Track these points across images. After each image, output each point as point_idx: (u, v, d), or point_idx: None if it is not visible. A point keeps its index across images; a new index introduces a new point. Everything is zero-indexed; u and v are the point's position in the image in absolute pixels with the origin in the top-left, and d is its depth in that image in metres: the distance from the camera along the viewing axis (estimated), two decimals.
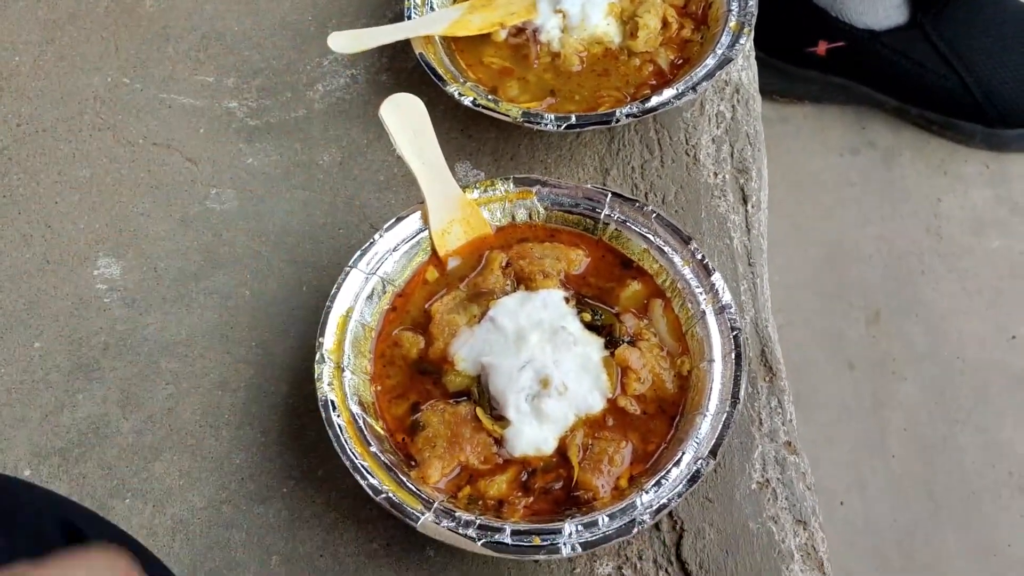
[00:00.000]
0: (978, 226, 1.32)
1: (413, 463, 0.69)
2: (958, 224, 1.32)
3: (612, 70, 0.88)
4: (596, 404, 0.71)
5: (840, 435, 1.19)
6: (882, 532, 1.13)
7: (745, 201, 0.85)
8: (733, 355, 0.70)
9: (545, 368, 0.70)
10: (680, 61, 0.88)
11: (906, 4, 1.28)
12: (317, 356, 0.71)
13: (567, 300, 0.74)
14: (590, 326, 0.73)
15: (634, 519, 0.64)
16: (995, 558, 1.10)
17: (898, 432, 1.19)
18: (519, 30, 0.90)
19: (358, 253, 0.75)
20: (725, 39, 0.85)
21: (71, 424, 0.77)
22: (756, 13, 0.87)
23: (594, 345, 0.72)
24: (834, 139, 1.41)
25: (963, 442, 1.18)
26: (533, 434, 0.69)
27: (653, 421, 0.71)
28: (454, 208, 0.77)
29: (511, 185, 0.79)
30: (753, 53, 0.96)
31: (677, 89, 0.82)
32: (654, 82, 0.87)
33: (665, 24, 0.89)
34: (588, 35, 0.88)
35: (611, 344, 0.72)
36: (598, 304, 0.75)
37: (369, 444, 0.68)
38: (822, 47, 1.33)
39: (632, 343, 0.72)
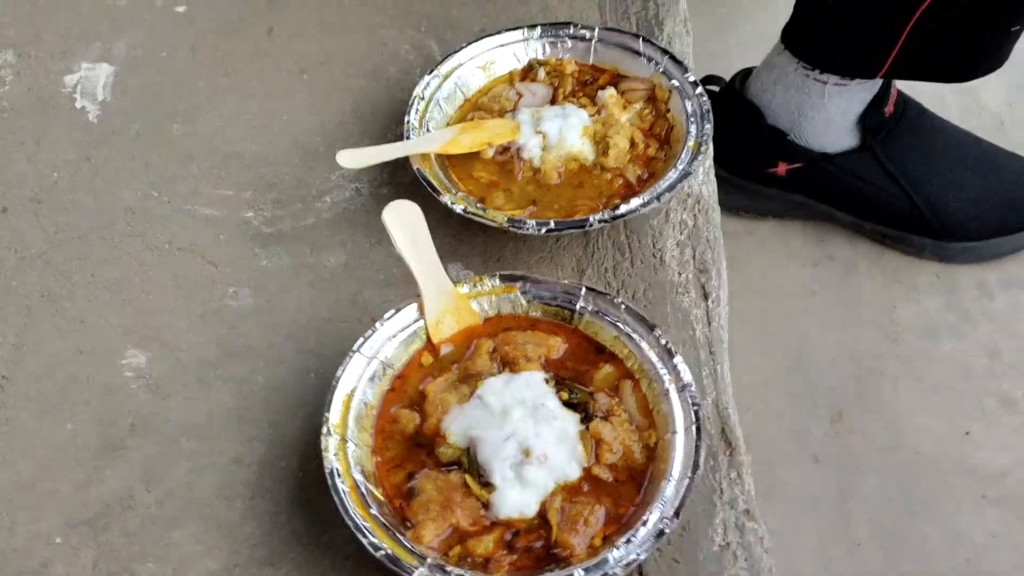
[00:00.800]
0: (931, 331, 1.42)
1: (409, 525, 0.77)
2: (912, 329, 1.43)
3: (586, 183, 0.99)
4: (573, 472, 0.79)
5: (807, 526, 1.27)
6: None
7: (706, 297, 0.96)
8: (694, 428, 0.79)
9: (527, 440, 0.79)
10: (646, 176, 0.99)
11: (857, 129, 1.41)
12: (324, 429, 0.80)
13: (547, 381, 0.83)
14: (567, 404, 0.82)
15: (607, 573, 0.72)
16: None
17: (862, 522, 1.27)
18: (504, 148, 1.02)
19: (361, 339, 0.85)
20: (685, 156, 0.97)
21: (98, 497, 0.84)
22: (712, 135, 0.99)
23: (571, 420, 0.81)
24: (796, 251, 1.52)
25: (923, 531, 1.25)
26: (517, 499, 0.78)
27: (624, 487, 0.79)
28: (447, 301, 0.87)
29: (497, 281, 0.89)
30: (712, 170, 1.08)
31: (644, 199, 0.94)
32: (623, 193, 0.98)
33: (633, 144, 1.01)
34: (565, 153, 1.00)
35: (586, 419, 0.82)
36: (574, 384, 0.84)
37: (370, 507, 0.77)
38: (782, 168, 1.46)
39: (605, 418, 0.82)
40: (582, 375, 0.85)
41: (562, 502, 0.78)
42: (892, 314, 1.44)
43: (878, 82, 1.36)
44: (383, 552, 0.73)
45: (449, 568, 0.73)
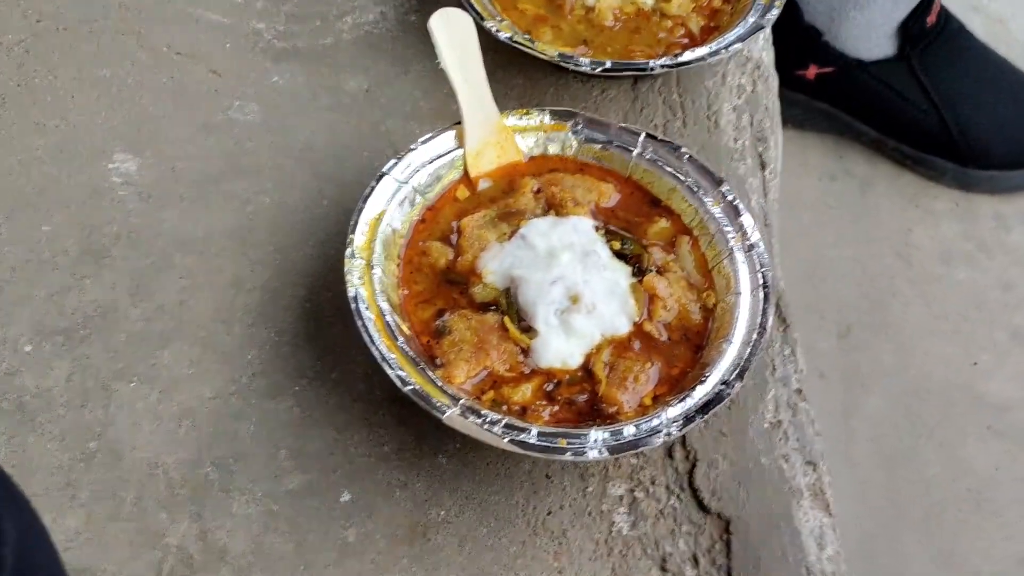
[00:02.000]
0: (946, 257, 1.36)
1: (439, 364, 0.68)
2: (927, 253, 1.37)
3: (644, 29, 0.90)
4: (623, 326, 0.71)
5: None
6: (845, 535, 1.14)
7: (763, 167, 0.88)
8: (761, 290, 0.71)
9: (576, 286, 0.70)
10: (711, 27, 0.90)
11: (896, 37, 1.33)
12: (348, 252, 0.70)
13: (597, 228, 0.75)
14: (619, 254, 0.74)
15: (659, 430, 0.64)
16: (952, 568, 1.12)
17: (863, 442, 1.21)
18: None
19: (393, 160, 0.75)
20: (756, 9, 0.88)
21: (77, 306, 0.74)
22: None
23: (622, 272, 0.73)
24: (814, 164, 1.45)
25: (926, 457, 1.20)
26: (560, 347, 0.69)
27: (678, 347, 0.71)
28: (490, 131, 0.78)
29: (547, 116, 0.80)
30: (771, 36, 0.99)
31: (710, 47, 0.85)
32: (685, 42, 0.89)
33: None
34: None
35: (639, 273, 0.73)
36: (627, 235, 0.75)
37: (397, 339, 0.67)
38: (812, 71, 1.38)
39: (660, 273, 0.73)
40: (635, 227, 0.77)
41: (610, 356, 0.69)
42: (907, 236, 1.38)
43: None
44: (412, 387, 0.64)
45: (484, 411, 0.65)
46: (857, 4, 1.30)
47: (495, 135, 0.78)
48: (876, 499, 1.17)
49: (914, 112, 1.36)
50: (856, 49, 1.35)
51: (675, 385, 0.69)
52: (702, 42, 0.89)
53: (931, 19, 1.34)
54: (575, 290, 0.70)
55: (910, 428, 1.22)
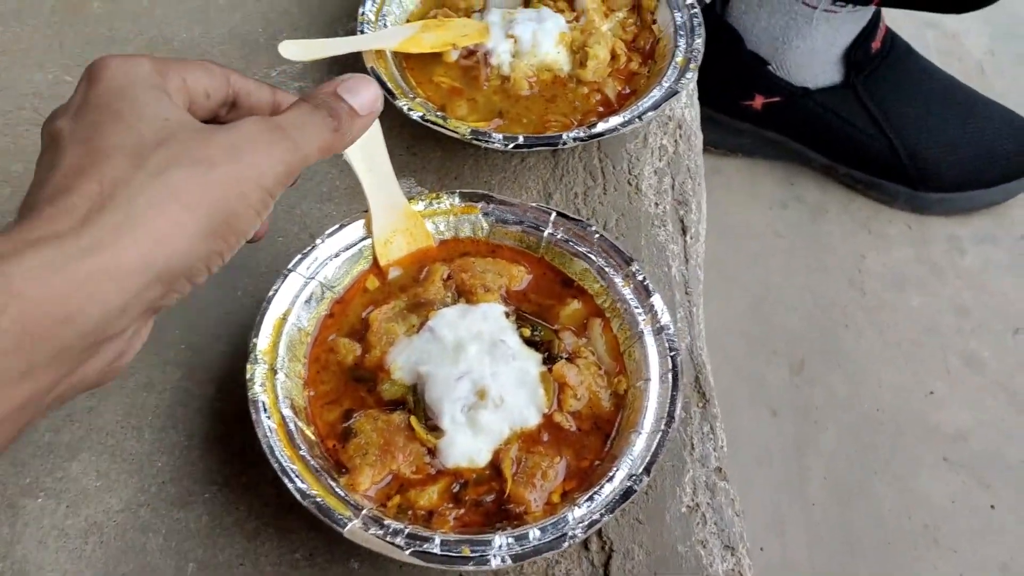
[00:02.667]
0: (899, 283, 1.36)
1: (343, 470, 0.68)
2: (880, 280, 1.36)
3: (560, 97, 0.89)
4: (532, 418, 0.70)
5: (761, 479, 1.21)
6: None
7: (684, 232, 0.87)
8: (670, 375, 0.71)
9: (483, 380, 0.70)
10: (627, 92, 0.89)
11: (841, 64, 1.33)
12: (250, 356, 0.70)
13: (507, 315, 0.74)
14: (529, 341, 0.73)
15: (565, 533, 0.64)
16: None
17: (818, 480, 1.21)
18: (470, 52, 0.90)
19: (298, 257, 0.74)
20: (672, 73, 0.87)
21: None
22: (702, 51, 0.89)
23: (532, 360, 0.72)
24: (764, 192, 1.44)
25: (880, 492, 1.20)
26: (467, 445, 0.68)
27: (588, 438, 0.71)
28: (398, 218, 0.77)
29: (457, 199, 0.79)
30: (696, 93, 0.98)
31: (624, 117, 0.84)
32: (601, 110, 0.88)
33: (613, 56, 0.90)
34: (538, 61, 0.89)
35: (549, 360, 0.72)
36: (538, 320, 0.75)
37: (299, 448, 0.67)
38: (759, 101, 1.37)
39: (570, 360, 0.72)
40: (547, 311, 0.76)
41: (518, 452, 0.69)
42: (860, 263, 1.38)
43: (869, 11, 1.27)
44: (312, 500, 0.64)
45: (387, 521, 0.64)
46: (800, 33, 1.29)
47: (404, 221, 0.77)
48: (831, 537, 1.17)
49: (863, 138, 1.36)
50: (801, 77, 1.35)
51: (584, 479, 0.69)
52: (619, 107, 0.88)
53: (875, 44, 1.33)
54: (482, 384, 0.69)
55: (864, 462, 1.22)
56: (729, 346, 1.30)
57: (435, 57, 0.91)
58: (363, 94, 0.59)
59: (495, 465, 0.68)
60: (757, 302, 1.34)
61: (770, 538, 1.16)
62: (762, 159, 1.46)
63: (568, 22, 0.91)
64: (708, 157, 1.46)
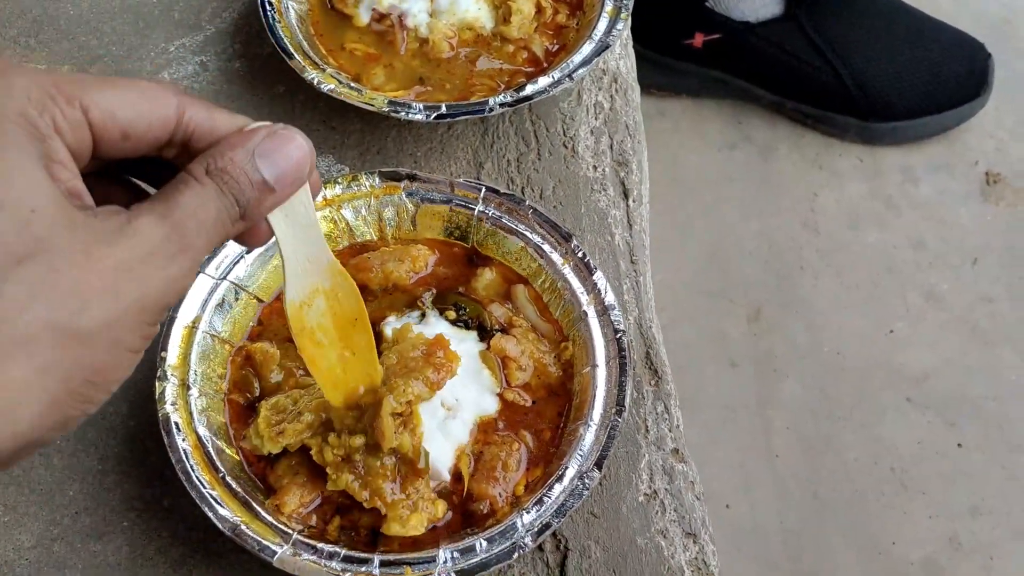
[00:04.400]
0: (854, 220, 1.32)
1: (272, 491, 0.62)
2: (834, 219, 1.32)
3: (484, 57, 0.82)
4: (490, 405, 0.65)
5: (725, 436, 1.17)
6: (769, 535, 1.11)
7: (626, 195, 0.81)
8: (617, 360, 0.66)
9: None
10: (556, 48, 0.83)
11: None
12: (158, 372, 0.64)
13: (420, 303, 0.68)
14: (457, 323, 0.68)
15: (515, 542, 0.59)
16: (880, 557, 1.09)
17: (782, 431, 1.18)
18: (383, 15, 0.83)
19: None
20: (602, 25, 0.81)
21: None
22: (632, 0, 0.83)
23: (468, 341, 0.67)
24: (712, 134, 1.39)
25: (846, 440, 1.17)
26: (444, 457, 0.63)
27: (544, 407, 0.66)
28: (321, 277, 0.55)
29: (376, 180, 0.73)
30: (631, 42, 0.92)
31: (553, 77, 0.77)
32: (529, 69, 0.82)
33: (539, 9, 0.84)
34: (458, 20, 0.83)
35: (484, 337, 0.67)
36: (460, 296, 0.69)
37: (219, 470, 0.61)
38: (699, 39, 1.31)
39: (504, 331, 0.67)
40: (462, 285, 0.71)
41: (474, 447, 0.64)
42: (813, 202, 1.33)
43: None
44: (235, 528, 0.58)
45: (320, 545, 0.59)
46: None
47: (328, 281, 0.55)
48: (798, 493, 1.14)
49: (808, 70, 1.31)
50: (741, 12, 1.29)
51: (551, 459, 0.64)
52: (548, 64, 0.81)
53: None
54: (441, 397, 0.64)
55: (828, 411, 1.18)
56: (685, 299, 1.26)
57: (346, 22, 0.83)
58: (282, 164, 0.45)
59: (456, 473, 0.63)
60: (712, 251, 1.30)
61: (736, 495, 1.13)
62: (708, 99, 1.40)
63: None
64: (652, 100, 1.40)
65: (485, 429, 0.65)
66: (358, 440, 0.60)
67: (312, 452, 0.61)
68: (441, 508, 0.61)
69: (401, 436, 0.59)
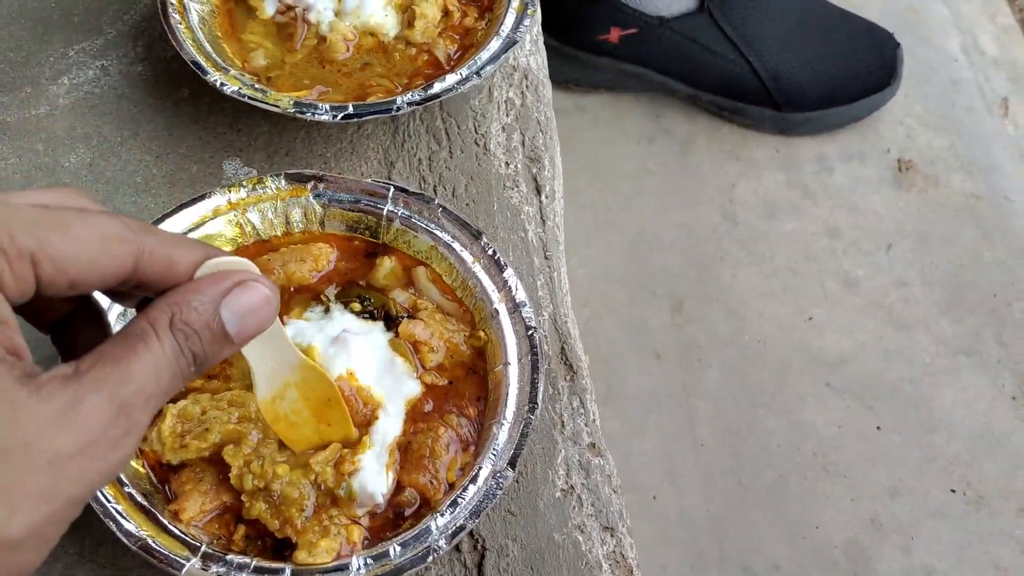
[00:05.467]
0: (771, 210, 1.33)
1: (171, 497, 0.61)
2: (752, 209, 1.33)
3: (381, 59, 0.81)
4: (414, 387, 0.65)
5: (650, 427, 1.18)
6: (695, 523, 1.12)
7: (539, 191, 0.81)
8: (529, 357, 0.66)
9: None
10: (457, 53, 0.82)
11: None
12: None
13: (322, 298, 0.68)
14: (362, 314, 0.67)
15: (429, 546, 0.59)
16: (804, 540, 1.11)
17: (706, 420, 1.19)
18: (289, 7, 0.82)
19: None
20: (509, 21, 0.81)
21: None
22: None
23: (375, 332, 0.66)
24: (631, 127, 1.40)
25: (768, 426, 1.18)
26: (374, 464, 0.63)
27: (463, 385, 0.67)
28: (291, 373, 0.56)
29: (283, 182, 0.72)
30: (541, 38, 0.92)
31: (460, 74, 0.77)
32: (429, 72, 0.81)
33: (447, 13, 0.83)
34: (361, 23, 0.82)
35: (391, 325, 0.67)
36: (362, 288, 0.69)
37: (123, 484, 0.60)
38: (614, 34, 1.32)
39: (411, 316, 0.68)
40: (363, 277, 0.70)
41: (400, 438, 0.63)
42: (731, 193, 1.34)
43: None
44: (141, 543, 0.57)
45: (230, 556, 0.58)
46: None
47: (297, 374, 0.56)
48: (723, 480, 1.15)
49: (723, 63, 1.32)
50: (655, 6, 1.30)
51: (480, 435, 0.64)
52: (450, 68, 0.81)
53: None
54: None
55: (750, 397, 1.20)
56: (607, 292, 1.26)
57: (251, 15, 0.82)
58: (248, 321, 0.43)
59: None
60: (633, 244, 1.30)
61: (663, 485, 1.14)
62: (626, 93, 1.41)
63: None
64: (571, 95, 1.41)
65: (414, 417, 0.65)
66: (281, 469, 0.59)
67: (231, 476, 0.60)
68: (356, 533, 0.60)
69: (326, 469, 0.59)
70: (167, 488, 0.61)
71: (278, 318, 0.48)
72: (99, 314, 0.46)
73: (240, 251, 0.69)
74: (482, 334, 0.68)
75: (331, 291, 0.69)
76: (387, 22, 0.82)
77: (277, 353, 0.53)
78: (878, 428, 1.18)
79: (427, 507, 0.62)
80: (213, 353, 0.43)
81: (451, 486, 0.62)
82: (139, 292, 0.43)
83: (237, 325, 0.43)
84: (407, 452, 0.63)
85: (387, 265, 0.70)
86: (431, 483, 0.62)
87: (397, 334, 0.67)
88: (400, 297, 0.69)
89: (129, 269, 0.41)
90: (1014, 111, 1.44)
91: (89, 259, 0.40)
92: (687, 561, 1.10)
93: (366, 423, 0.62)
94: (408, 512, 0.61)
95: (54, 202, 0.41)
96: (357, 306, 0.68)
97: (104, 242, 0.40)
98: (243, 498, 0.59)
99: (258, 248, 0.71)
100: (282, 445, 0.60)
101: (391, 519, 0.62)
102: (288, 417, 0.57)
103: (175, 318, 0.41)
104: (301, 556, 0.58)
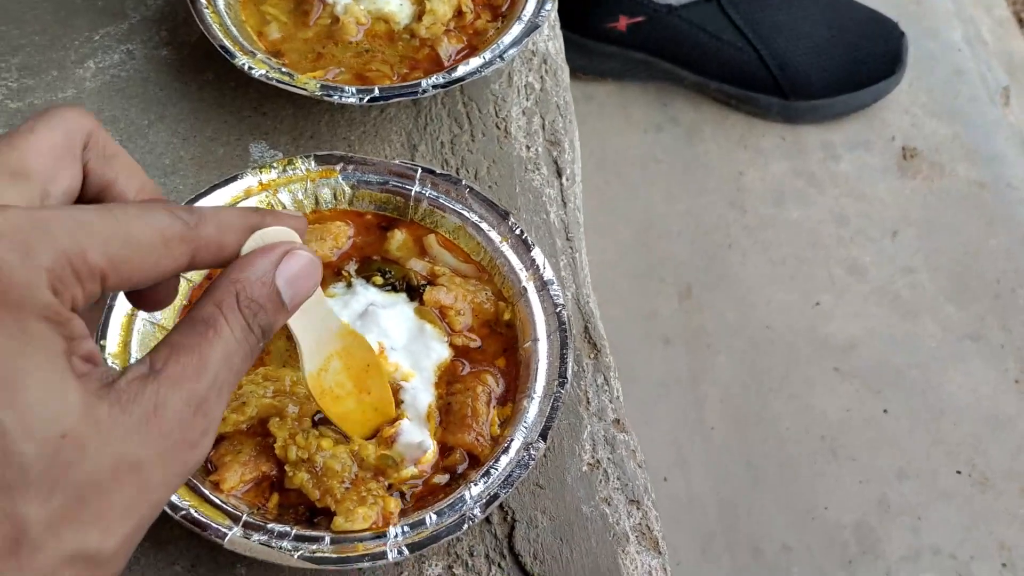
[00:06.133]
0: (778, 198, 1.35)
1: (210, 468, 0.62)
2: (759, 197, 1.35)
3: (385, 47, 0.83)
4: (444, 351, 0.67)
5: (660, 412, 1.19)
6: (705, 506, 1.14)
7: (559, 174, 0.82)
8: (558, 333, 0.67)
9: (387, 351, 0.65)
10: (460, 52, 0.83)
11: None
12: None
13: (346, 274, 0.69)
14: (385, 287, 0.69)
15: (464, 514, 0.60)
16: (813, 522, 1.12)
17: (715, 405, 1.20)
18: None
19: None
20: (530, 6, 0.82)
21: None
22: None
23: (401, 303, 0.68)
24: (638, 116, 1.41)
25: (777, 411, 1.19)
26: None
27: (492, 342, 0.69)
28: (332, 342, 0.58)
29: (312, 163, 0.73)
30: (558, 24, 0.93)
31: (484, 58, 0.78)
32: (426, 67, 0.82)
33: (460, 13, 0.84)
34: (376, 8, 0.83)
35: (414, 295, 0.69)
36: (380, 261, 0.71)
37: None
38: (623, 22, 1.33)
39: (432, 283, 0.69)
40: (379, 251, 0.72)
41: (439, 400, 0.65)
42: (739, 181, 1.36)
43: None
44: (184, 512, 0.58)
45: (271, 525, 0.59)
46: None
47: (339, 342, 0.58)
48: (733, 464, 1.16)
49: (730, 51, 1.33)
50: None
51: (512, 388, 0.67)
52: (447, 67, 0.81)
53: None
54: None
55: (758, 383, 1.21)
56: (616, 280, 1.28)
57: None
58: (300, 288, 0.44)
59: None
60: (641, 232, 1.32)
61: (673, 469, 1.15)
62: (633, 82, 1.42)
63: None
64: (579, 84, 1.42)
65: (448, 380, 0.66)
66: (325, 443, 0.61)
67: (276, 447, 0.61)
68: (393, 504, 0.61)
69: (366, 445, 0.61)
70: (207, 460, 0.63)
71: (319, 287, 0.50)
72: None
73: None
74: (508, 309, 0.69)
75: (351, 267, 0.70)
76: (401, 11, 0.83)
77: (320, 321, 0.54)
78: (885, 412, 1.19)
79: (478, 464, 0.63)
80: (275, 324, 0.44)
81: (495, 440, 0.64)
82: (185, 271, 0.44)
83: (290, 291, 0.44)
84: (448, 414, 0.65)
85: (398, 237, 0.72)
86: (477, 440, 0.64)
87: (422, 302, 0.68)
88: (417, 266, 0.71)
89: (186, 264, 0.42)
90: (1015, 101, 1.45)
91: (153, 264, 0.40)
92: (698, 543, 1.11)
93: (396, 395, 0.64)
94: (461, 470, 0.63)
95: (67, 141, 0.43)
96: (379, 279, 0.69)
97: (165, 244, 0.41)
98: (286, 467, 0.60)
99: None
100: (316, 423, 0.62)
101: (443, 485, 0.63)
102: (333, 390, 0.58)
103: (240, 296, 0.42)
104: (339, 523, 0.59)
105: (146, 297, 0.46)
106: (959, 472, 1.15)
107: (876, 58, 1.36)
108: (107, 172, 0.45)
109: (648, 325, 1.25)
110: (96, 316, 0.43)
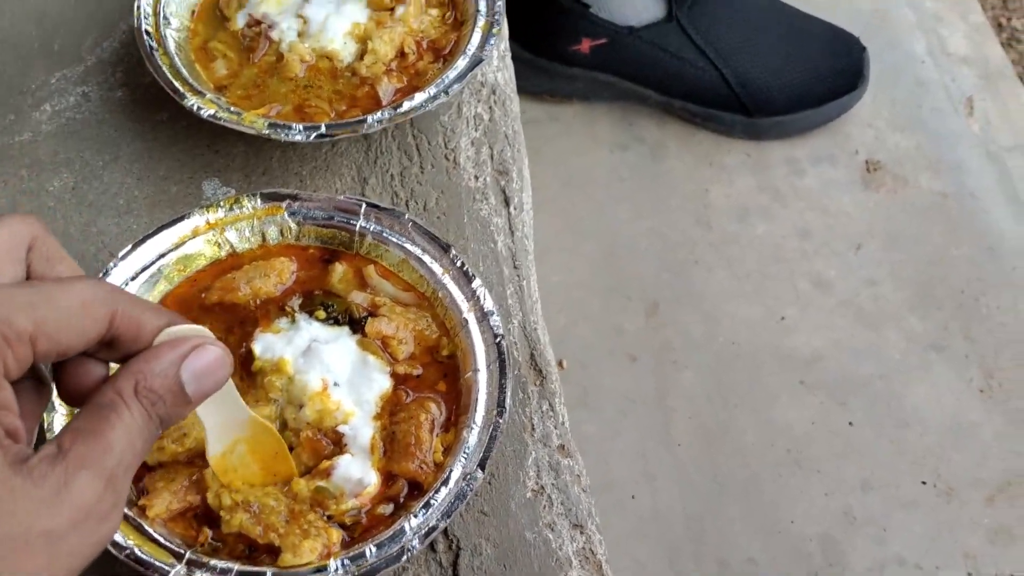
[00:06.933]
0: (743, 214, 1.36)
1: (145, 492, 0.64)
2: (725, 213, 1.36)
3: (326, 83, 0.84)
4: (385, 382, 0.68)
5: (627, 428, 1.21)
6: (672, 522, 1.15)
7: (507, 203, 0.84)
8: (497, 363, 0.69)
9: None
10: (397, 93, 0.84)
11: None
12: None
13: (287, 309, 0.71)
14: (328, 321, 0.71)
15: (403, 546, 0.62)
16: (779, 535, 1.14)
17: (682, 420, 1.22)
18: (256, 22, 0.85)
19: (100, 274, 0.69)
20: (475, 39, 0.84)
21: None
22: (504, 11, 0.85)
23: (343, 336, 0.70)
24: (604, 136, 1.43)
25: (742, 424, 1.21)
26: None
27: (431, 372, 0.70)
28: (239, 429, 0.60)
29: (259, 201, 0.75)
30: (509, 54, 0.95)
31: (429, 92, 0.80)
32: (365, 104, 0.83)
33: (403, 54, 0.86)
34: (320, 47, 0.85)
35: (356, 328, 0.71)
36: (322, 295, 0.72)
37: None
38: (585, 44, 1.35)
39: (373, 315, 0.71)
40: (322, 284, 0.74)
41: (382, 431, 0.67)
42: (704, 198, 1.37)
43: None
44: (128, 552, 0.60)
45: (214, 562, 0.61)
46: None
47: (246, 430, 0.60)
48: (699, 478, 1.18)
49: (692, 71, 1.35)
50: (624, 16, 1.33)
51: (454, 413, 0.68)
52: (385, 106, 0.82)
53: None
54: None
55: (724, 397, 1.23)
56: (582, 298, 1.29)
57: (221, 22, 0.86)
58: (204, 382, 0.47)
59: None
60: (607, 250, 1.33)
61: (640, 485, 1.17)
62: (598, 102, 1.44)
63: (376, 11, 0.86)
64: (544, 106, 1.44)
65: (391, 410, 0.68)
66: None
67: (208, 497, 0.63)
68: (335, 535, 0.63)
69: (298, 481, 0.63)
70: (139, 486, 0.64)
71: (230, 378, 0.52)
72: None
73: (216, 265, 0.73)
74: (447, 344, 0.71)
75: (295, 302, 0.72)
76: (344, 50, 0.85)
77: (228, 411, 0.57)
78: (850, 424, 1.21)
79: (421, 492, 0.65)
80: (176, 414, 0.46)
81: (438, 467, 0.65)
82: (107, 356, 0.47)
83: (195, 385, 0.47)
84: (393, 443, 0.66)
85: (339, 270, 0.73)
86: (421, 468, 0.65)
87: (364, 334, 0.70)
88: (358, 298, 0.72)
89: (106, 328, 0.45)
90: (979, 110, 1.47)
91: (77, 327, 0.43)
92: (665, 557, 1.13)
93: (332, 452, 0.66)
94: (403, 499, 0.65)
95: (10, 242, 0.45)
96: (322, 313, 0.71)
97: (85, 307, 0.44)
98: (222, 514, 0.62)
99: (232, 261, 0.74)
100: None
101: (387, 515, 0.65)
102: (237, 470, 0.61)
103: (139, 385, 0.45)
104: (287, 559, 0.61)
105: (74, 379, 0.47)
106: (924, 482, 1.17)
107: (838, 73, 1.37)
108: (48, 275, 0.47)
109: (615, 341, 1.26)
110: (38, 408, 0.46)
